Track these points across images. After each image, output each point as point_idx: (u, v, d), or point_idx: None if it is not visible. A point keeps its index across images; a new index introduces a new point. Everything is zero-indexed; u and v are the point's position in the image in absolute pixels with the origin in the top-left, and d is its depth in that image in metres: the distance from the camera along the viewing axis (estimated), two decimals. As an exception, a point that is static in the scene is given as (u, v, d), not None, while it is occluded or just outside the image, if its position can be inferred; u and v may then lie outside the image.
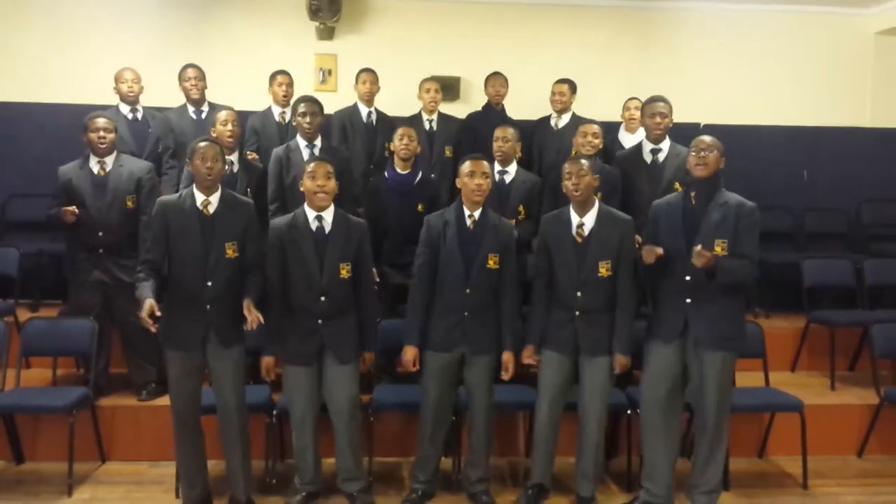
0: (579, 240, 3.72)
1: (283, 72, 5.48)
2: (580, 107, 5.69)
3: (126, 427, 4.43)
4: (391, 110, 5.76)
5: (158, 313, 3.43)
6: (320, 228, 3.69)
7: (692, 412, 3.97)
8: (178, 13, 6.74)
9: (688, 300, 3.62)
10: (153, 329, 3.41)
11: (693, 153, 3.64)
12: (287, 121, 5.37)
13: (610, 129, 5.66)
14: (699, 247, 3.46)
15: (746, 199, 3.68)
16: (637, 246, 3.78)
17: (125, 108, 5.30)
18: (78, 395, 4.16)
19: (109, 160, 4.47)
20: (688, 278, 3.61)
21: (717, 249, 3.54)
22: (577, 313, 3.72)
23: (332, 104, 5.53)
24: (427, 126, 5.49)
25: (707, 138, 3.67)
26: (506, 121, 5.44)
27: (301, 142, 4.74)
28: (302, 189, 3.73)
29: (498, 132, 4.66)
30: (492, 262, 3.72)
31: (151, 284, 3.54)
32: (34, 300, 5.72)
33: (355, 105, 5.56)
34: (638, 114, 5.44)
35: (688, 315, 3.63)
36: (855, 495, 4.21)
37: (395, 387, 4.32)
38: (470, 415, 3.87)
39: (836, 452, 4.68)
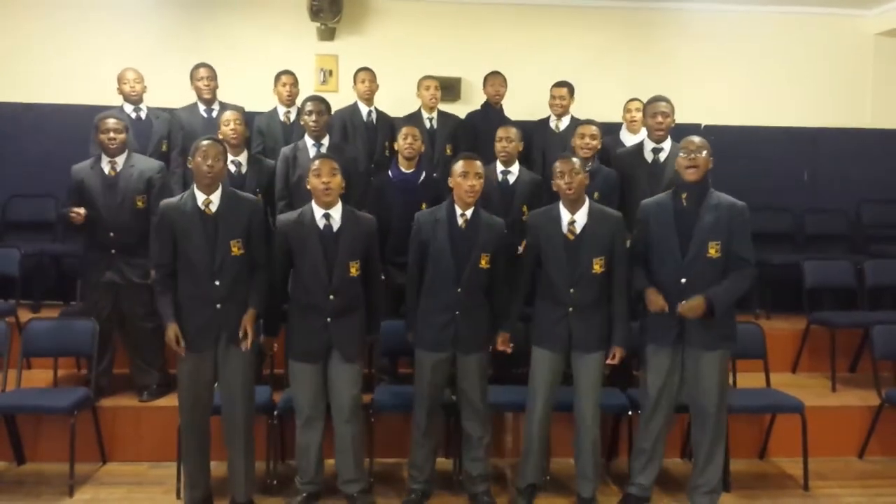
0: (571, 237, 3.74)
1: (287, 72, 5.49)
2: (581, 108, 5.67)
3: (127, 428, 4.43)
4: (392, 111, 5.77)
5: (182, 350, 3.57)
6: (328, 227, 3.69)
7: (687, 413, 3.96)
8: (178, 14, 6.74)
9: (683, 302, 3.63)
10: (182, 353, 3.57)
11: (683, 155, 3.65)
12: (292, 121, 5.38)
13: (610, 130, 5.67)
14: (682, 305, 3.56)
15: (736, 199, 3.72)
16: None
17: (128, 108, 5.31)
18: (79, 395, 4.16)
19: (120, 160, 4.47)
20: (683, 281, 3.63)
21: (712, 252, 3.59)
22: (571, 310, 3.73)
23: (333, 105, 5.50)
24: (427, 124, 5.49)
25: (696, 139, 3.69)
26: (505, 120, 5.43)
27: (308, 141, 4.77)
28: (308, 187, 3.74)
29: (501, 132, 4.66)
30: (483, 262, 3.73)
31: (171, 299, 3.62)
32: (35, 301, 5.72)
33: (355, 104, 5.57)
34: (639, 115, 5.45)
35: (683, 318, 3.65)
36: (856, 497, 4.21)
37: (395, 388, 4.32)
38: (464, 415, 3.87)
39: (837, 454, 4.68)
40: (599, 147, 4.72)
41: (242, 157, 4.75)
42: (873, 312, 5.54)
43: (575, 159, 3.78)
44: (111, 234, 4.41)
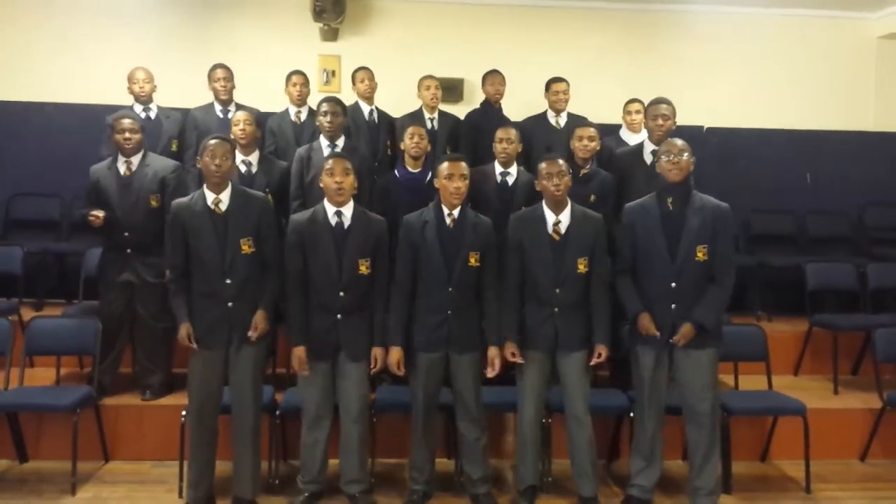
0: (556, 237, 3.77)
1: (298, 72, 5.49)
2: (581, 109, 5.67)
3: (129, 426, 4.44)
4: (395, 111, 5.76)
5: (194, 346, 3.60)
6: (339, 224, 3.73)
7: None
8: (181, 13, 6.76)
9: (673, 306, 3.67)
10: (195, 347, 3.61)
11: (665, 158, 3.69)
12: (302, 121, 5.40)
13: (609, 132, 5.68)
14: (675, 339, 3.66)
15: (719, 200, 3.76)
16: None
17: (138, 108, 5.31)
18: (81, 394, 4.16)
19: (136, 160, 4.49)
20: (673, 285, 3.67)
21: (700, 255, 3.64)
22: (556, 310, 3.75)
23: (335, 105, 5.54)
24: (429, 124, 5.49)
25: (678, 142, 3.74)
26: (504, 120, 5.43)
27: (323, 141, 4.79)
28: (321, 185, 3.77)
29: (502, 133, 4.65)
30: (473, 261, 3.75)
31: (184, 300, 3.67)
32: (38, 299, 5.72)
33: (356, 104, 5.58)
34: (639, 116, 5.46)
35: (675, 320, 3.69)
36: (857, 499, 4.21)
37: (397, 388, 4.32)
38: (459, 415, 3.87)
39: (839, 456, 4.68)
40: (598, 148, 4.73)
41: (253, 157, 4.77)
42: (875, 315, 5.54)
43: (561, 161, 3.82)
44: (126, 233, 4.43)
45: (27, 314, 5.11)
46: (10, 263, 5.42)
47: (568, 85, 5.54)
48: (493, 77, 5.71)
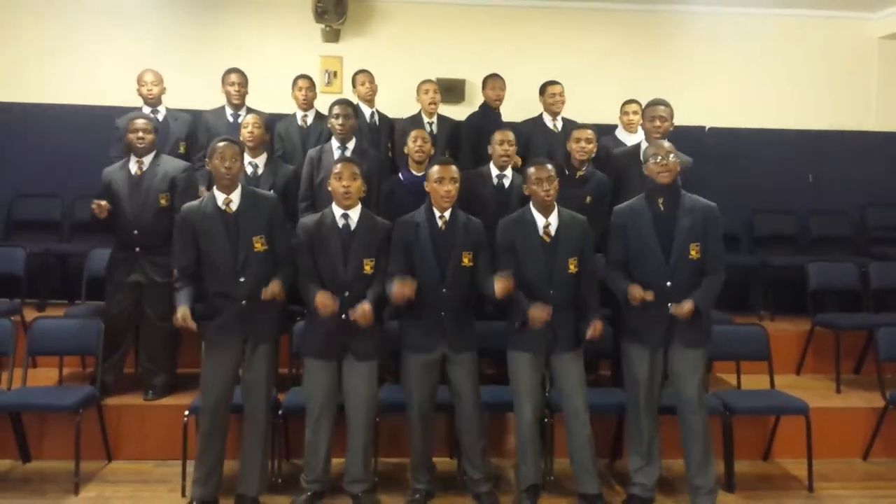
0: (547, 239, 3.81)
1: (303, 76, 5.52)
2: (584, 110, 5.69)
3: (132, 426, 4.44)
4: (397, 113, 5.79)
5: (192, 324, 3.60)
6: (346, 226, 3.77)
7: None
8: (182, 15, 6.78)
9: (669, 305, 3.70)
10: (193, 327, 3.60)
11: (653, 161, 3.74)
12: (308, 124, 5.41)
13: (613, 132, 5.69)
14: (674, 308, 3.64)
15: (708, 200, 3.81)
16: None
17: (146, 110, 5.31)
18: (84, 394, 4.17)
19: (147, 160, 4.51)
20: (668, 284, 3.71)
21: (692, 253, 3.69)
22: (552, 311, 3.76)
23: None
24: (427, 128, 5.49)
25: (665, 144, 3.81)
26: (500, 123, 5.44)
27: (334, 143, 4.80)
28: (329, 189, 3.81)
29: (502, 136, 4.64)
30: (466, 260, 3.78)
31: (188, 292, 3.70)
32: (40, 300, 5.73)
33: (357, 107, 5.57)
34: (636, 117, 5.48)
35: (671, 319, 3.72)
36: (860, 498, 4.20)
37: (399, 388, 4.32)
38: (458, 415, 3.88)
39: (842, 455, 4.67)
40: (595, 151, 4.74)
41: (260, 160, 4.81)
42: (878, 315, 5.54)
43: (550, 165, 3.85)
44: (135, 232, 4.44)
45: (30, 315, 5.11)
46: (12, 264, 5.43)
47: (563, 87, 5.55)
48: (493, 81, 5.71)
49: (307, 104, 5.45)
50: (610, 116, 5.85)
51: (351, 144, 4.83)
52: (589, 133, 4.65)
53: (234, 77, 5.39)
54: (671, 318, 3.72)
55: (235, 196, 3.74)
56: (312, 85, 5.52)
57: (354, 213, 3.80)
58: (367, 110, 5.59)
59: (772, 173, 6.77)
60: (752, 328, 4.77)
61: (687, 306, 3.66)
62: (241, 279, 3.69)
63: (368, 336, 3.75)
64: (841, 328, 5.28)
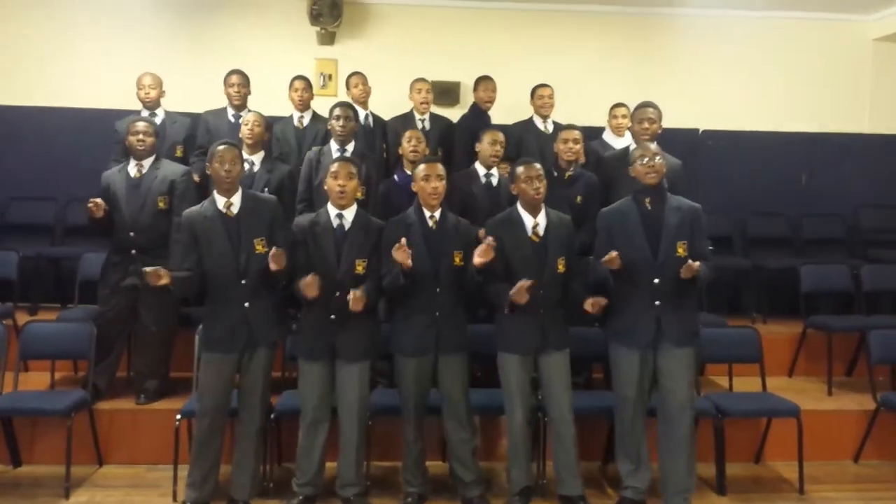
0: (536, 239, 3.83)
1: (299, 77, 5.54)
2: (580, 112, 5.69)
3: (124, 430, 4.43)
4: (391, 116, 5.78)
5: (165, 280, 3.51)
6: (340, 226, 3.79)
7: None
8: (178, 18, 6.78)
9: (657, 302, 3.73)
10: (160, 272, 3.50)
11: (640, 162, 3.77)
12: (305, 125, 5.42)
13: (599, 135, 5.69)
14: (687, 264, 3.61)
15: (692, 201, 3.85)
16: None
17: (145, 114, 5.31)
18: (76, 398, 4.16)
19: (146, 163, 4.52)
20: (656, 281, 3.72)
21: (680, 251, 3.72)
22: (541, 311, 3.79)
23: (332, 109, 5.55)
24: (420, 126, 5.50)
25: (651, 146, 3.86)
26: (492, 125, 5.45)
27: (333, 145, 4.80)
28: (325, 188, 3.83)
29: (493, 136, 4.68)
30: (458, 259, 3.80)
31: (183, 275, 3.67)
32: (33, 303, 5.73)
33: (352, 109, 5.59)
34: (625, 121, 5.51)
35: (660, 317, 3.73)
36: (851, 500, 4.21)
37: (392, 391, 4.32)
38: (447, 416, 3.88)
39: (833, 458, 4.68)
40: (582, 151, 4.75)
41: (256, 158, 4.83)
42: (870, 317, 5.55)
43: (538, 164, 3.87)
44: (132, 233, 4.45)
45: (22, 318, 5.09)
46: (4, 268, 5.45)
47: (552, 90, 5.58)
48: (485, 83, 5.74)
49: (303, 105, 5.47)
50: (604, 119, 5.85)
51: (350, 147, 4.84)
52: (576, 134, 4.67)
53: (235, 78, 5.39)
54: (659, 315, 3.72)
55: (236, 199, 3.76)
56: (309, 86, 5.54)
57: (349, 214, 3.81)
58: (361, 112, 5.58)
59: (765, 175, 6.78)
60: (744, 330, 4.78)
61: (694, 264, 3.60)
62: (243, 281, 3.70)
63: (359, 334, 3.75)
64: (833, 330, 5.30)
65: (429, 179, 3.79)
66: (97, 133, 5.57)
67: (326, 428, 3.80)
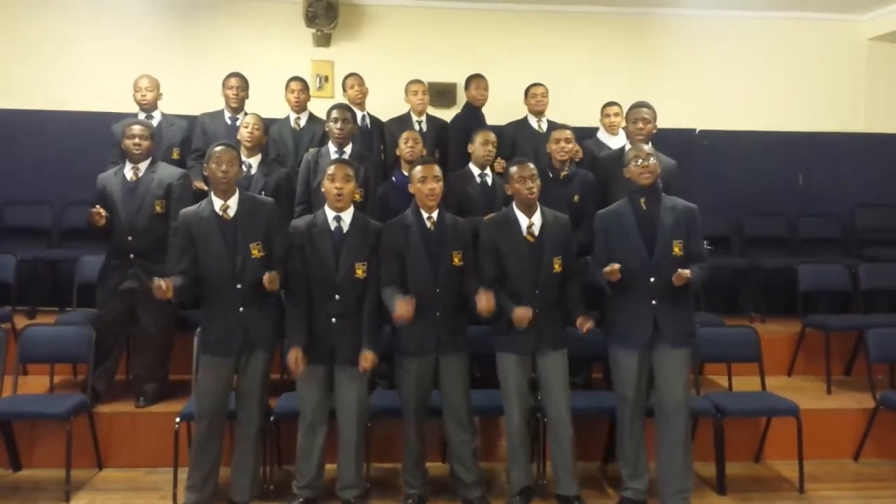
0: (531, 239, 3.83)
1: (296, 78, 5.53)
2: (575, 112, 5.68)
3: (123, 434, 4.43)
4: (387, 117, 5.78)
5: (170, 294, 3.52)
6: (338, 229, 3.77)
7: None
8: (174, 20, 6.76)
9: (653, 302, 3.73)
10: (163, 286, 3.50)
11: (634, 163, 3.78)
12: (301, 127, 5.42)
13: (592, 135, 5.69)
14: (677, 273, 3.62)
15: (696, 202, 3.86)
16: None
17: (141, 116, 5.30)
18: (75, 401, 4.15)
19: (143, 166, 4.51)
20: (652, 280, 3.72)
21: (676, 250, 3.73)
22: (537, 311, 3.79)
23: (328, 111, 5.55)
24: (417, 128, 5.50)
25: (645, 147, 3.88)
26: (485, 124, 5.49)
27: (331, 147, 4.79)
28: (323, 190, 3.81)
29: (485, 136, 4.71)
30: (456, 260, 3.80)
31: (181, 278, 3.66)
32: (31, 307, 5.71)
33: (349, 111, 5.59)
34: (617, 119, 5.53)
35: (656, 316, 3.74)
36: (851, 499, 4.22)
37: (391, 392, 4.32)
38: (448, 417, 3.88)
39: (833, 456, 4.69)
40: (576, 150, 4.75)
41: (254, 160, 4.81)
42: (867, 316, 5.56)
43: (531, 164, 3.87)
44: (129, 237, 4.44)
45: (20, 322, 5.08)
46: (2, 271, 5.43)
47: (546, 89, 5.59)
48: (478, 81, 5.75)
49: (300, 106, 5.46)
50: (598, 120, 5.86)
51: (348, 149, 4.82)
52: (567, 133, 4.68)
53: (233, 81, 5.39)
54: (656, 314, 3.73)
55: (233, 202, 3.74)
56: (305, 87, 5.53)
57: (347, 216, 3.80)
58: (358, 114, 5.57)
59: (761, 175, 6.79)
60: (742, 330, 4.79)
61: (684, 273, 3.62)
62: (238, 286, 3.68)
63: (357, 341, 3.74)
64: (831, 329, 5.31)
65: (425, 181, 3.79)
66: (94, 136, 5.56)
67: (325, 430, 3.80)
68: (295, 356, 3.68)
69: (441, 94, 6.73)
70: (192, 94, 5.88)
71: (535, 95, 5.58)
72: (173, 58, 6.56)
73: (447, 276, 3.79)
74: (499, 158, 4.90)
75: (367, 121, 5.63)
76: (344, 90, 5.71)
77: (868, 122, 7.25)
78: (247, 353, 3.73)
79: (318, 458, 3.80)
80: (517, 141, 5.47)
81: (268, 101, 5.69)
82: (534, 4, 6.96)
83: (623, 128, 5.11)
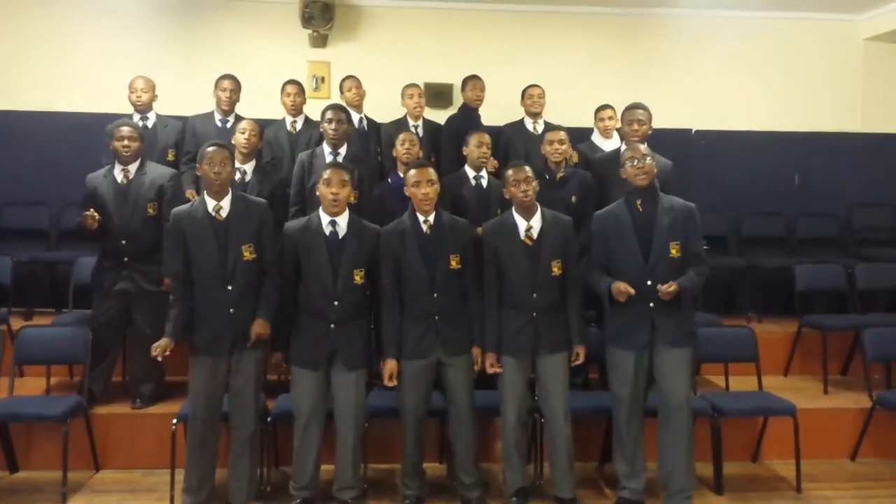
0: (529, 242, 3.83)
1: (292, 81, 5.51)
2: (572, 113, 5.72)
3: (120, 435, 4.42)
4: (384, 119, 5.80)
5: (170, 347, 3.60)
6: (334, 234, 3.75)
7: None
8: (171, 21, 6.77)
9: (651, 304, 3.72)
10: (157, 356, 3.59)
11: (630, 164, 3.77)
12: (297, 130, 5.40)
13: (588, 137, 5.70)
14: (660, 289, 3.62)
15: (685, 201, 3.84)
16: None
17: (136, 117, 5.29)
18: (71, 403, 4.15)
19: (133, 168, 4.49)
20: (649, 283, 3.71)
21: (673, 252, 3.71)
22: (535, 314, 3.79)
23: (325, 112, 5.54)
24: (413, 131, 5.50)
25: (641, 147, 3.86)
26: (481, 125, 5.48)
27: (326, 148, 4.78)
28: (318, 194, 3.79)
29: (479, 138, 4.69)
30: (454, 263, 3.79)
31: (181, 312, 3.67)
32: (28, 308, 5.71)
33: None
34: (611, 122, 5.52)
35: (654, 318, 3.73)
36: (848, 499, 4.22)
37: (389, 394, 4.31)
38: (451, 419, 3.89)
39: (829, 456, 4.69)
40: (570, 151, 4.75)
41: (249, 166, 4.78)
42: (864, 315, 5.58)
43: (527, 167, 3.87)
44: (123, 241, 4.43)
45: (17, 324, 5.08)
46: (-1, 273, 5.41)
47: (542, 90, 5.59)
48: (474, 82, 5.75)
49: (296, 110, 5.44)
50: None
51: (343, 150, 4.82)
52: (561, 135, 4.67)
53: (226, 83, 5.37)
54: (654, 316, 3.73)
55: (226, 202, 3.72)
56: (301, 90, 5.52)
57: (342, 220, 3.77)
58: (355, 116, 5.59)
59: (759, 175, 6.81)
60: (739, 330, 4.80)
61: (673, 287, 3.62)
62: (229, 287, 3.67)
63: (358, 343, 3.75)
64: (828, 329, 5.31)
65: (419, 185, 3.78)
66: (90, 137, 5.53)
67: (321, 431, 3.79)
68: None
69: (437, 94, 6.75)
70: (188, 96, 5.88)
71: (531, 97, 5.59)
72: (170, 59, 6.57)
73: (444, 279, 3.78)
74: (490, 158, 4.88)
75: (364, 123, 5.64)
76: (341, 92, 5.71)
77: (865, 121, 7.27)
78: (237, 354, 3.71)
79: (314, 459, 3.79)
80: (511, 142, 5.47)
81: (264, 103, 5.70)
82: (532, 5, 6.97)
83: (618, 129, 5.11)
